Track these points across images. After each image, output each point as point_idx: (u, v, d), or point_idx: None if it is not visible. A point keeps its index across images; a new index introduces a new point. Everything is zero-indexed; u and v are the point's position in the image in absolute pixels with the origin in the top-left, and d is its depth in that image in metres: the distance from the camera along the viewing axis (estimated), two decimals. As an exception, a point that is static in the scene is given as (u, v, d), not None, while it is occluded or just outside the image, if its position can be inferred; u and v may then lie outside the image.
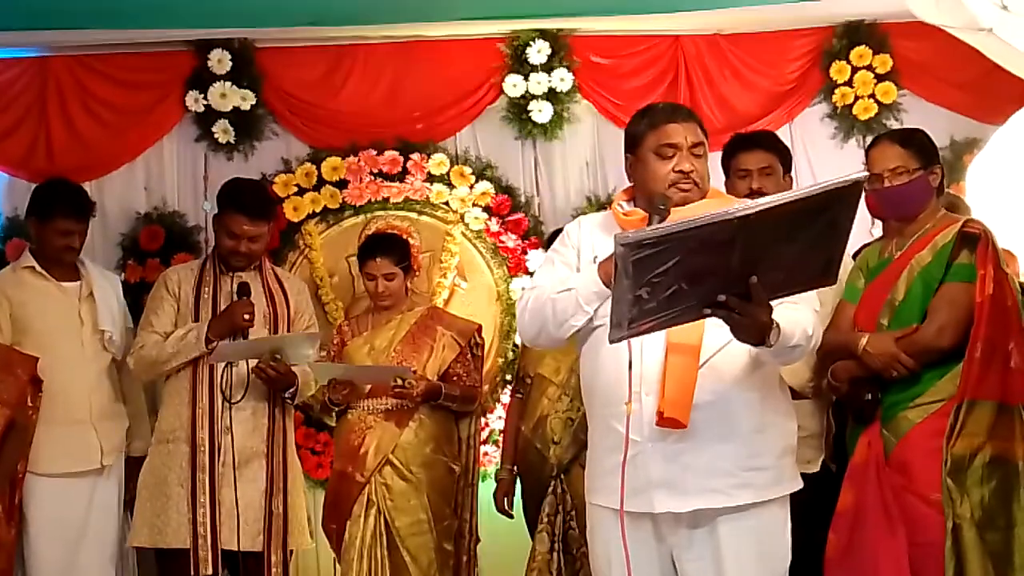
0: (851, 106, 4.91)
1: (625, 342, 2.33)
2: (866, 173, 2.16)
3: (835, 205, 2.13)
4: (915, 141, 3.10)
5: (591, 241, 2.66)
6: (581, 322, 2.57)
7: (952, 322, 2.89)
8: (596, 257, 2.57)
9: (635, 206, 2.66)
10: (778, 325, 2.32)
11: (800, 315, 2.44)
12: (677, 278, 2.12)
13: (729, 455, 2.49)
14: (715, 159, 3.68)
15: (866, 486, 2.92)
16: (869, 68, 4.89)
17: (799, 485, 2.59)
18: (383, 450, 3.75)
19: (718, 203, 2.55)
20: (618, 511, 2.44)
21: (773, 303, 2.27)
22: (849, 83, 4.90)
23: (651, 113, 2.67)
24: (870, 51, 4.88)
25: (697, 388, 2.44)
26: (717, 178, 3.75)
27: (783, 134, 4.84)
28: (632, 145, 2.67)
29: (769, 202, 2.11)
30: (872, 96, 4.90)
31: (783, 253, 2.16)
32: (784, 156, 3.45)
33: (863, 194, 3.25)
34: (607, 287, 2.40)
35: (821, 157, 4.84)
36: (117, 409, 3.91)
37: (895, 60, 4.90)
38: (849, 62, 4.90)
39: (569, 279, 2.61)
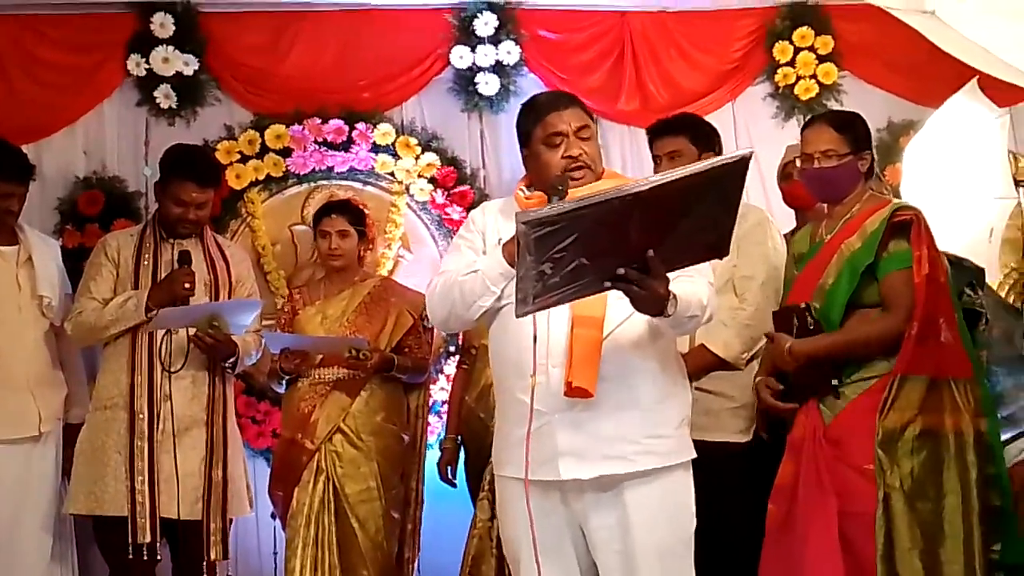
0: (793, 86, 4.99)
1: (531, 318, 2.41)
2: (751, 150, 2.28)
3: (724, 180, 2.23)
4: (849, 126, 3.16)
5: (495, 225, 2.73)
6: (488, 303, 2.62)
7: (908, 312, 2.92)
8: (500, 240, 2.63)
9: (536, 190, 2.72)
10: (675, 296, 2.42)
11: (696, 287, 2.54)
12: (577, 253, 2.21)
13: (632, 423, 2.56)
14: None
15: (802, 459, 2.99)
16: (811, 49, 4.98)
17: (694, 454, 2.68)
18: (334, 418, 3.77)
19: (613, 183, 2.62)
20: (524, 481, 2.50)
21: (670, 276, 2.37)
22: (791, 63, 4.98)
23: (535, 106, 2.76)
24: (812, 32, 4.96)
25: (601, 359, 2.52)
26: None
27: (726, 112, 4.95)
28: (523, 140, 2.75)
29: (660, 179, 2.21)
30: (813, 77, 4.99)
31: (678, 228, 2.26)
32: (698, 136, 3.46)
33: (797, 175, 3.40)
34: (512, 267, 2.47)
35: (763, 136, 4.90)
36: (55, 376, 3.86)
37: (836, 42, 4.99)
38: (792, 43, 4.97)
39: (475, 262, 2.66)
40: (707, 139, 3.45)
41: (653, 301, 2.37)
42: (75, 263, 4.07)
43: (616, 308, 2.52)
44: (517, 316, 2.32)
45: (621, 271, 2.29)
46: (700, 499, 2.72)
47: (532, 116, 2.71)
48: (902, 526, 2.81)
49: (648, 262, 2.28)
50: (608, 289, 2.35)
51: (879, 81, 4.98)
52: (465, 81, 4.85)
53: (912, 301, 2.91)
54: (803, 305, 3.01)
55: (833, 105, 4.91)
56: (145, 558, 3.54)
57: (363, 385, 3.81)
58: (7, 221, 3.80)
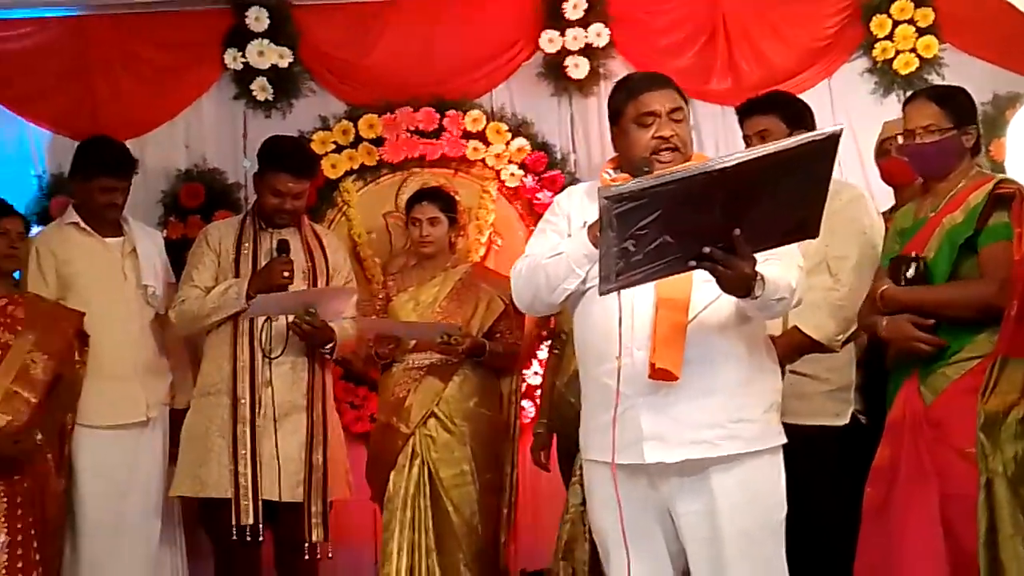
0: (891, 61, 4.83)
1: (615, 300, 2.42)
2: (841, 127, 2.22)
3: (812, 158, 2.18)
4: (951, 100, 3.07)
5: (581, 209, 2.71)
6: (573, 285, 2.62)
7: (1011, 279, 2.84)
8: (586, 223, 2.60)
9: (622, 172, 2.70)
10: (763, 278, 2.38)
11: (785, 270, 2.50)
12: (661, 231, 2.18)
13: (717, 407, 2.53)
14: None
15: (902, 441, 2.93)
16: (910, 22, 4.81)
17: (784, 440, 2.64)
18: (427, 403, 3.81)
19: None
20: (610, 465, 2.50)
21: (758, 257, 2.33)
22: (890, 37, 4.83)
23: (629, 84, 2.74)
24: (911, 4, 4.80)
25: (686, 342, 2.49)
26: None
27: (822, 90, 4.84)
28: (614, 118, 2.72)
29: (745, 155, 2.17)
30: (913, 50, 4.83)
31: (764, 206, 2.22)
32: (789, 114, 3.39)
33: (897, 152, 3.32)
34: (596, 249, 2.44)
35: (860, 113, 4.75)
36: (160, 363, 3.99)
37: (937, 14, 4.82)
38: (890, 16, 4.82)
39: (560, 244, 2.66)
40: (798, 117, 3.37)
41: (739, 282, 2.34)
42: (178, 254, 4.19)
43: (702, 291, 2.49)
44: (600, 293, 2.31)
45: (706, 250, 2.25)
46: (796, 484, 2.69)
47: (625, 94, 2.69)
48: (1005, 512, 2.71)
49: (734, 241, 2.25)
50: (693, 268, 2.31)
51: (982, 53, 4.79)
52: (554, 65, 4.82)
53: (1009, 273, 2.82)
54: (914, 255, 2.95)
55: (934, 79, 4.75)
56: (248, 539, 3.64)
57: (456, 370, 3.84)
58: (112, 214, 3.93)
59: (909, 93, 3.56)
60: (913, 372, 2.95)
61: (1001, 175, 3.06)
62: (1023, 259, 2.79)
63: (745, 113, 3.47)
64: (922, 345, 2.89)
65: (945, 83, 4.41)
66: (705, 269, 2.31)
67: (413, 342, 3.86)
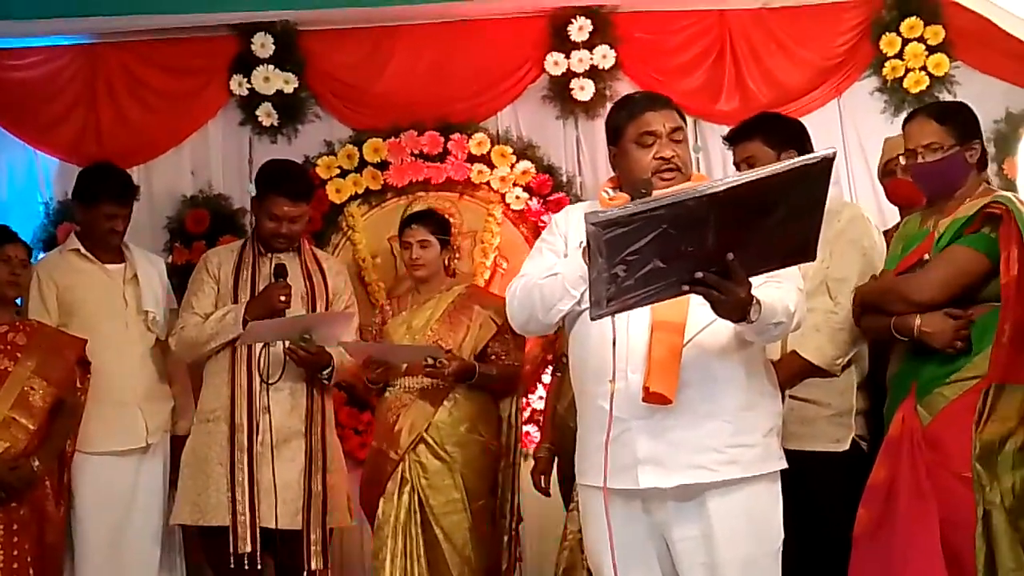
0: (902, 79, 4.77)
1: (610, 322, 2.38)
2: (834, 150, 2.19)
3: (806, 181, 2.15)
4: (952, 116, 3.03)
5: (578, 228, 2.63)
6: (568, 306, 2.59)
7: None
8: (582, 243, 2.55)
9: (622, 192, 2.67)
10: (759, 302, 2.34)
11: (783, 292, 2.46)
12: (652, 256, 2.15)
13: (715, 432, 2.49)
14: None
15: (900, 462, 2.88)
16: (920, 40, 4.75)
17: (784, 465, 2.59)
18: (417, 428, 3.75)
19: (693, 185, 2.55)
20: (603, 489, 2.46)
21: (756, 281, 2.30)
22: (900, 55, 4.77)
23: (629, 104, 2.72)
24: (921, 22, 4.74)
25: (683, 366, 2.45)
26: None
27: (831, 109, 4.80)
28: (613, 137, 2.70)
29: (737, 179, 2.14)
30: (924, 68, 4.76)
31: (758, 230, 2.18)
32: (772, 138, 3.30)
33: (902, 172, 3.26)
34: None
35: (871, 132, 4.69)
36: (162, 389, 3.98)
37: (948, 31, 4.75)
38: (899, 34, 4.76)
39: (556, 265, 2.63)
40: (785, 140, 3.29)
41: (734, 306, 2.30)
42: (184, 279, 4.16)
43: (699, 313, 2.45)
44: (591, 319, 2.29)
45: (699, 275, 2.22)
46: (800, 510, 2.64)
47: (626, 113, 2.67)
48: (1004, 546, 2.65)
49: (728, 265, 2.21)
50: (686, 293, 2.29)
51: (995, 70, 4.72)
52: (560, 87, 4.80)
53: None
54: (926, 256, 2.93)
55: (946, 97, 4.68)
56: (247, 568, 3.60)
57: (447, 395, 3.78)
58: (113, 240, 3.95)
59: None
60: (910, 391, 2.90)
61: (1000, 193, 2.98)
62: (1011, 282, 2.73)
63: (732, 140, 3.42)
64: (958, 342, 2.84)
65: (947, 100, 4.35)
66: (699, 294, 2.28)
67: (405, 366, 3.82)
